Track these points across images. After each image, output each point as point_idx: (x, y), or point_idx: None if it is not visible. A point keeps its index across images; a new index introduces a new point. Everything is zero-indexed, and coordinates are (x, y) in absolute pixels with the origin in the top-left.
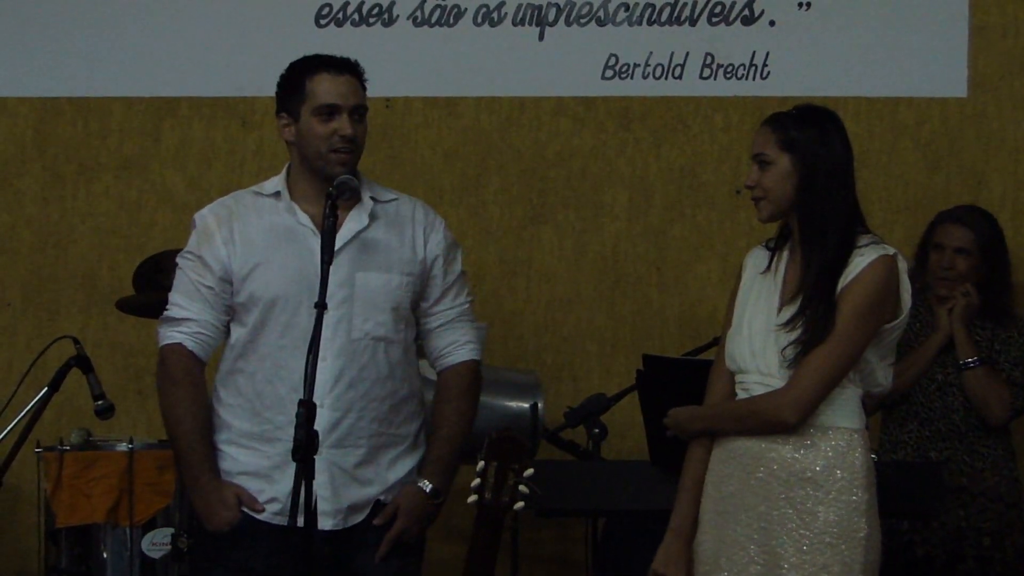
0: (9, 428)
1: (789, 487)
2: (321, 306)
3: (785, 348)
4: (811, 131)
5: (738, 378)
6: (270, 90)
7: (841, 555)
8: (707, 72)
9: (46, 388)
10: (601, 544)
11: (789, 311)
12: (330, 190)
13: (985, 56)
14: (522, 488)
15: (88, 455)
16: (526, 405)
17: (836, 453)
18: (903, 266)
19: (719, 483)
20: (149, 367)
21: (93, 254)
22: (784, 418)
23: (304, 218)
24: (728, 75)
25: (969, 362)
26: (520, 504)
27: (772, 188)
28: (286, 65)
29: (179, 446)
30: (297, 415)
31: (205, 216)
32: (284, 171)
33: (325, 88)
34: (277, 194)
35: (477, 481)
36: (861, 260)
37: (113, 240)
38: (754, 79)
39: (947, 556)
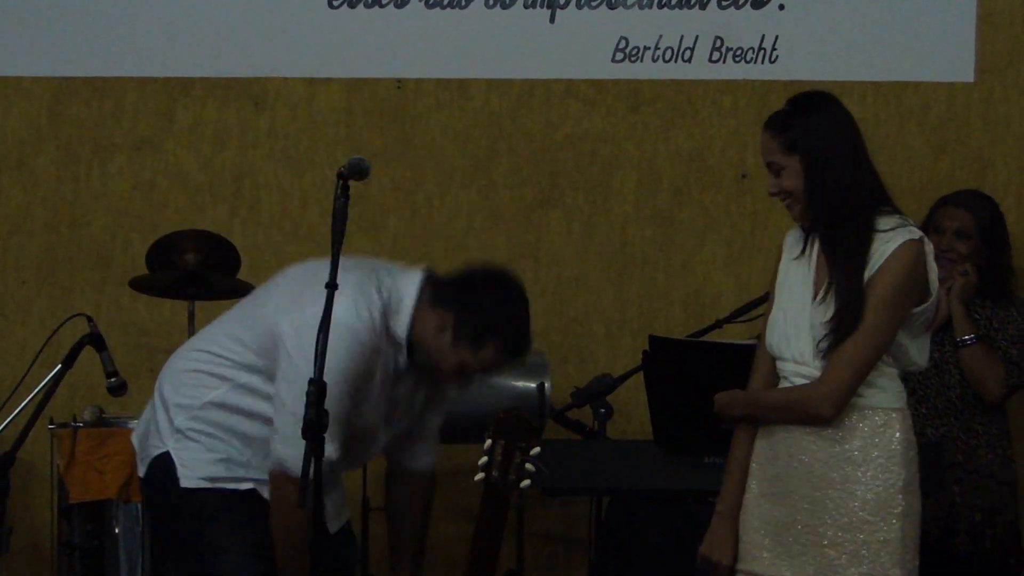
0: (23, 405)
1: (830, 468)
2: (332, 286)
3: (820, 340)
4: (808, 121)
5: (777, 363)
6: (283, 71)
7: (879, 532)
8: (716, 55)
9: (59, 365)
10: (605, 523)
11: (821, 302)
12: (341, 169)
13: (992, 41)
14: (528, 467)
15: (101, 432)
16: (533, 385)
17: (873, 433)
18: (929, 248)
19: (764, 465)
20: (161, 345)
21: (107, 233)
22: (821, 411)
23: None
24: (737, 59)
25: (966, 339)
26: (526, 483)
27: (794, 189)
28: (299, 46)
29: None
30: (308, 393)
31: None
32: (410, 318)
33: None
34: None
35: (484, 459)
36: (887, 247)
37: (127, 220)
38: (763, 63)
39: (940, 531)
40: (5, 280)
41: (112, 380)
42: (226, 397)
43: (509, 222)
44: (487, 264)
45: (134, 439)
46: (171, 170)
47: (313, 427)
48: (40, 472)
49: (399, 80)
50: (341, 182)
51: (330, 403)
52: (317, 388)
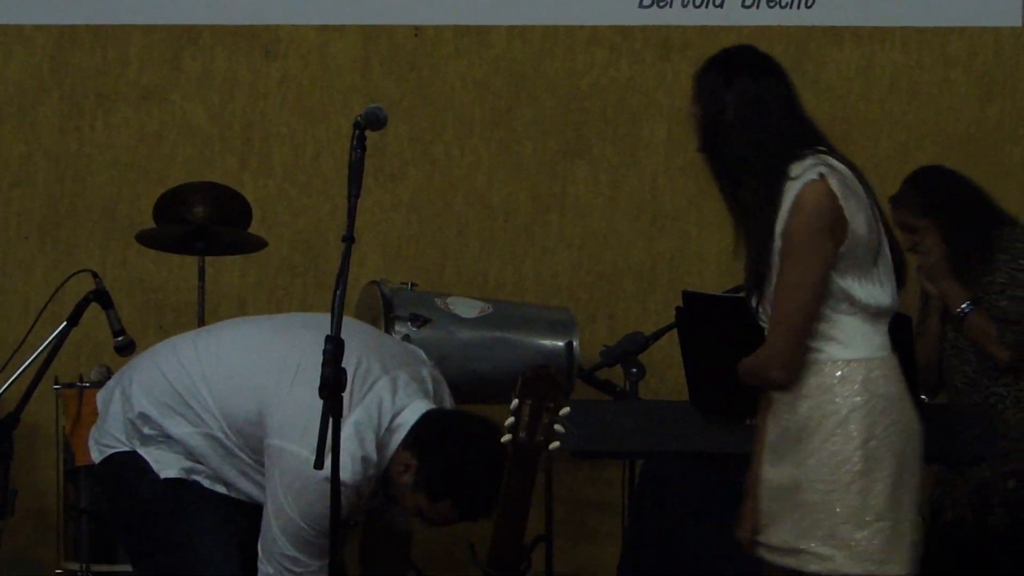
0: (27, 365)
1: (799, 428)
2: (349, 239)
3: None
4: (707, 82)
5: None
6: (294, 18)
7: (836, 488)
8: (749, 1)
9: (64, 323)
10: (638, 487)
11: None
12: (357, 119)
13: None
14: (557, 428)
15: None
16: (561, 344)
17: (829, 388)
18: (835, 182)
19: (767, 432)
20: (169, 302)
21: (112, 186)
22: (772, 376)
23: None
24: (771, 4)
25: (962, 309)
26: (555, 443)
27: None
28: None
29: None
30: (324, 352)
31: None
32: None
33: None
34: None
35: (511, 420)
36: (789, 196)
37: (133, 172)
38: (798, 8)
39: (975, 513)
40: (7, 235)
41: (119, 338)
42: (195, 442)
43: (532, 175)
44: (472, 418)
45: (100, 402)
46: (178, 121)
47: (330, 385)
48: (45, 434)
49: (416, 27)
50: (357, 132)
51: (304, 549)
52: (334, 346)
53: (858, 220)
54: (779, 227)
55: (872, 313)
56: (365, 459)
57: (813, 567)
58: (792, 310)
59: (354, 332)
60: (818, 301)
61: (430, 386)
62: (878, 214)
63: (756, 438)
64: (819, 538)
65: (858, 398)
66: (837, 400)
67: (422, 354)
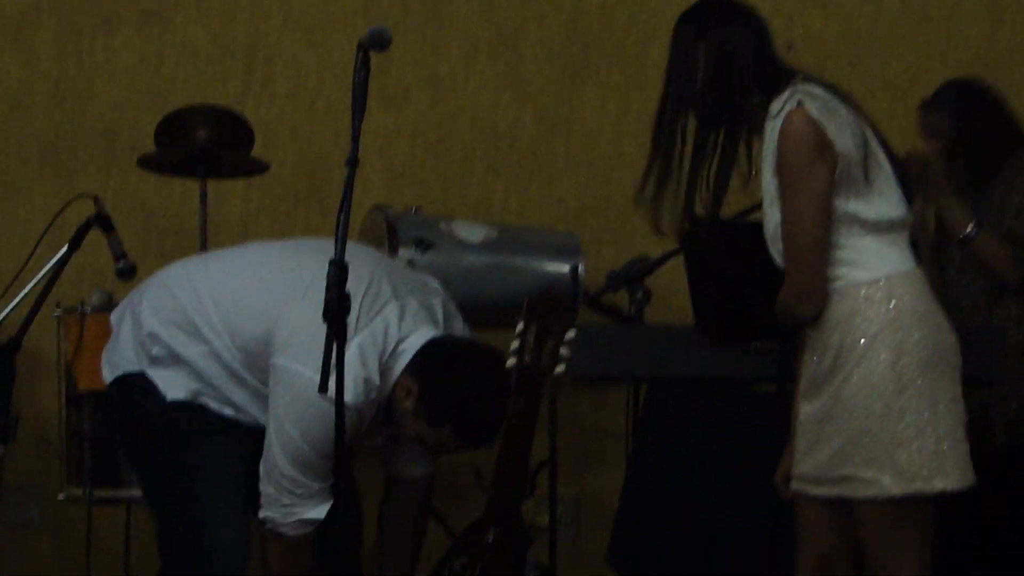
0: (28, 290)
1: (829, 357)
2: (353, 163)
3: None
4: (679, 40)
5: None
6: None
7: (874, 411)
8: None
9: (65, 248)
10: (643, 412)
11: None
12: (361, 41)
13: None
14: (563, 352)
15: (110, 317)
16: (566, 268)
17: (855, 311)
18: (815, 107)
19: (803, 370)
20: (171, 227)
21: (113, 110)
22: (799, 313)
23: None
24: None
25: (967, 233)
26: (560, 368)
27: None
28: None
29: None
30: (328, 275)
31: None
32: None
33: None
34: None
35: (516, 345)
36: (773, 135)
37: (133, 96)
38: None
39: (976, 434)
40: (6, 160)
41: (121, 263)
42: (202, 363)
43: (538, 97)
44: (477, 347)
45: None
46: (179, 43)
47: (333, 309)
48: (47, 360)
49: None
50: (361, 54)
51: (305, 469)
52: (338, 270)
53: (844, 139)
54: (770, 167)
55: (884, 229)
56: (367, 381)
57: (860, 493)
58: (802, 243)
59: (367, 256)
60: (826, 228)
61: (440, 315)
62: (867, 128)
63: (794, 383)
64: (862, 463)
65: (885, 317)
66: (864, 323)
67: (436, 284)
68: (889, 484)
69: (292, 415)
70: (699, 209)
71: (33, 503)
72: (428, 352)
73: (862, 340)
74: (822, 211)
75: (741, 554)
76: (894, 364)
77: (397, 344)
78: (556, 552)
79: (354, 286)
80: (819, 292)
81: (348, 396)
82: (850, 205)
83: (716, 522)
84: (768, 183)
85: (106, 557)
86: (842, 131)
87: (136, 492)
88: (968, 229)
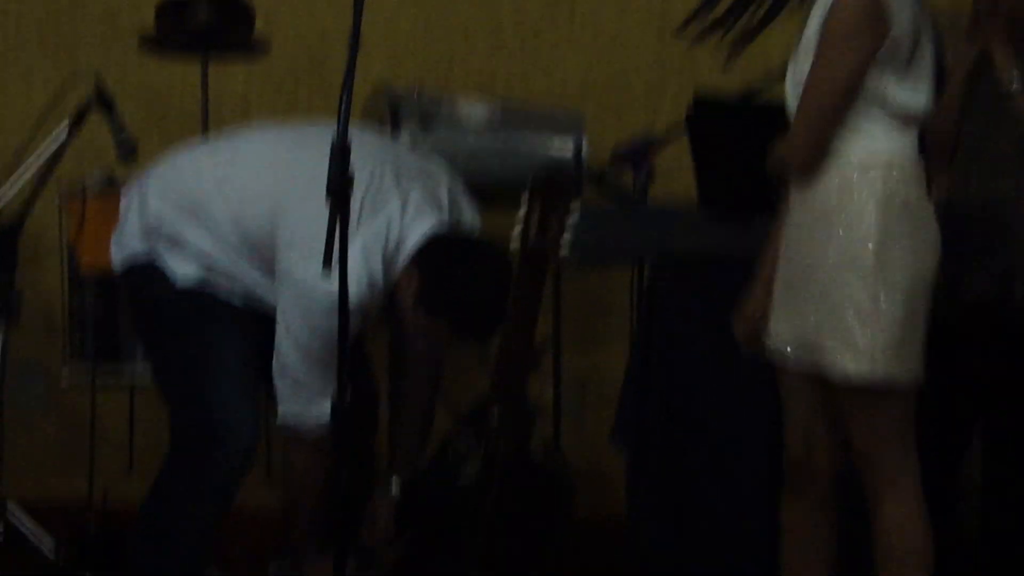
0: (28, 172)
1: (811, 222)
2: (354, 43)
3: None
4: None
5: None
6: None
7: (848, 290)
8: None
9: (66, 128)
10: (648, 291)
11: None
12: None
13: None
14: (567, 233)
15: (112, 198)
16: (569, 147)
17: (846, 183)
18: None
19: (785, 225)
20: (173, 108)
21: None
22: (791, 169)
23: None
24: None
25: (1012, 88)
26: (565, 249)
27: None
28: None
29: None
30: (331, 155)
31: None
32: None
33: None
34: None
35: (519, 225)
36: None
37: None
38: None
39: (992, 301)
40: (4, 40)
41: (122, 144)
42: (209, 250)
43: None
44: (480, 242)
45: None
46: None
47: (335, 189)
48: (49, 241)
49: None
50: None
51: (315, 365)
52: (341, 149)
53: (901, 18)
54: (819, 20)
55: (901, 117)
56: (372, 280)
57: (826, 366)
58: (821, 105)
59: (369, 144)
60: (849, 98)
61: (445, 203)
62: (926, 19)
63: (772, 232)
64: (828, 336)
65: (874, 198)
66: (855, 196)
67: (443, 169)
68: (848, 362)
69: (299, 313)
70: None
71: (38, 384)
72: (431, 245)
73: (851, 209)
74: (851, 81)
75: (746, 431)
76: (880, 244)
77: (401, 238)
78: (560, 431)
79: (355, 183)
80: (818, 155)
81: (352, 296)
82: (882, 84)
83: (720, 400)
84: (812, 35)
85: (111, 438)
86: (901, 10)
87: (139, 373)
88: (1017, 80)
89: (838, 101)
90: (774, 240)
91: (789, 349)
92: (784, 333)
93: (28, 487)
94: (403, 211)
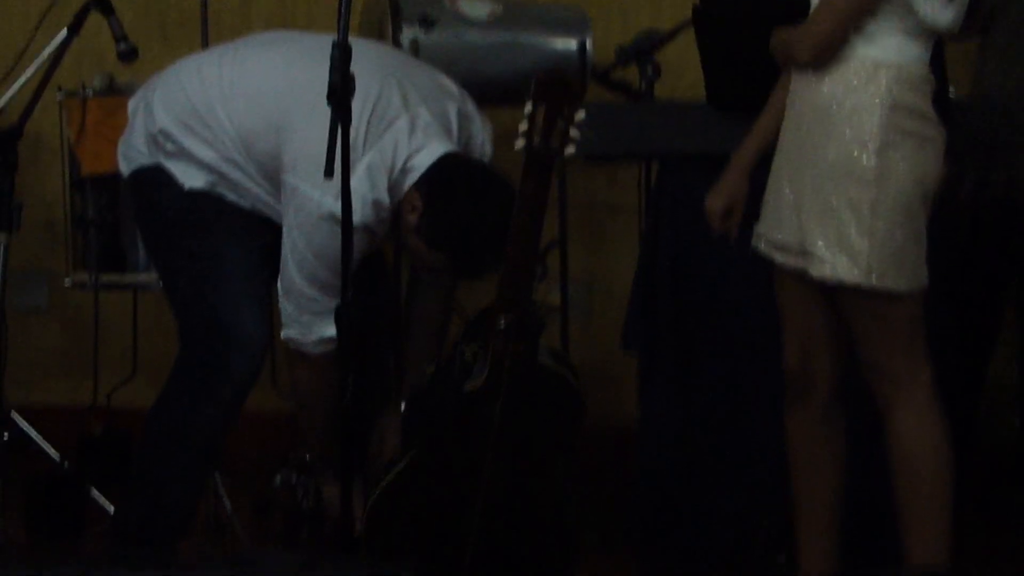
0: (28, 75)
1: (814, 117)
2: None
3: None
4: None
5: None
6: None
7: (846, 192)
8: None
9: (65, 31)
10: (655, 190)
11: None
12: None
13: None
14: (572, 132)
15: (112, 101)
16: (574, 43)
17: (853, 84)
18: None
19: (787, 112)
20: (172, 8)
21: None
22: (797, 54)
23: None
24: None
25: None
26: (570, 148)
27: None
28: None
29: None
30: (332, 57)
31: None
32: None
33: None
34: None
35: (524, 126)
36: None
37: None
38: None
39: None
40: None
41: (122, 46)
42: (215, 163)
43: None
44: (488, 175)
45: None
46: None
47: (337, 91)
48: (49, 144)
49: None
50: None
51: (320, 287)
52: (342, 52)
53: None
54: None
55: (924, 29)
56: (376, 202)
57: (815, 270)
58: (847, 2)
59: (377, 59)
60: (875, 2)
61: (454, 125)
62: None
63: (760, 119)
64: (820, 232)
65: (881, 99)
66: (860, 96)
67: (452, 86)
68: (843, 269)
69: (304, 234)
70: None
71: (40, 288)
72: (437, 171)
73: (853, 110)
74: None
75: (759, 330)
76: (881, 150)
77: (407, 160)
78: (568, 334)
79: (361, 101)
80: (830, 49)
81: (357, 217)
82: None
83: (732, 299)
84: None
85: (114, 341)
86: None
87: (142, 277)
88: None
89: (865, 5)
90: (760, 128)
91: (778, 252)
92: (772, 233)
93: (32, 392)
94: (411, 132)
